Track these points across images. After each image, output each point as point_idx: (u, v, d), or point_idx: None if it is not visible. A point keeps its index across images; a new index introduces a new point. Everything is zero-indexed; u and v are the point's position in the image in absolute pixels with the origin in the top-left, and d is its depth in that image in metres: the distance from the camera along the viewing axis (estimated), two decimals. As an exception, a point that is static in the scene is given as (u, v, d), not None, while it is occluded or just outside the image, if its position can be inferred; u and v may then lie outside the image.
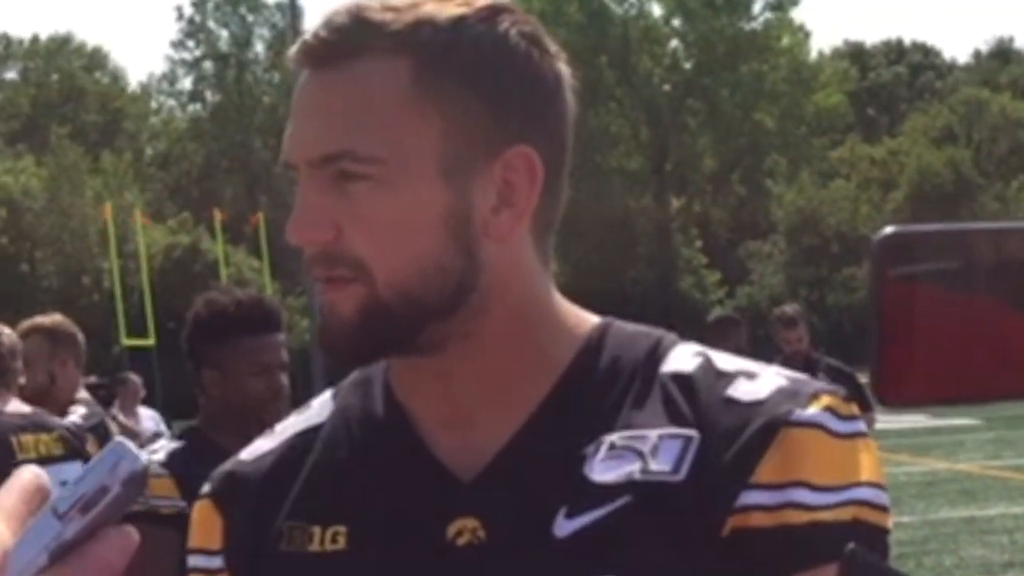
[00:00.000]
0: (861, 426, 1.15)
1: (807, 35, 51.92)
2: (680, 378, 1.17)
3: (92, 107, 57.88)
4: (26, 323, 5.00)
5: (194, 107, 58.24)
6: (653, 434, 1.14)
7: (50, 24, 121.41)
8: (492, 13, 1.15)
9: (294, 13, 30.07)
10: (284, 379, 3.10)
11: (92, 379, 9.21)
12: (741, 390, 1.15)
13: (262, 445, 1.28)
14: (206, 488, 1.28)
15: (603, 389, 1.18)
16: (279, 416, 1.39)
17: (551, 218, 1.19)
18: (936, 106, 58.67)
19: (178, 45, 57.77)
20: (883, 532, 1.13)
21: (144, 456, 0.80)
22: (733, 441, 1.12)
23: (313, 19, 1.26)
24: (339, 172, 1.13)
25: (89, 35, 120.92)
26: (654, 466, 1.12)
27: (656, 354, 1.20)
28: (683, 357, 1.19)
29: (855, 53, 63.83)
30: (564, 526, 1.11)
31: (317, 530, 1.18)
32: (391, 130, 1.12)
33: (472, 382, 1.17)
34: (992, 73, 61.66)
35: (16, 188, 46.61)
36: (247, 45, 56.74)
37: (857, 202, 53.02)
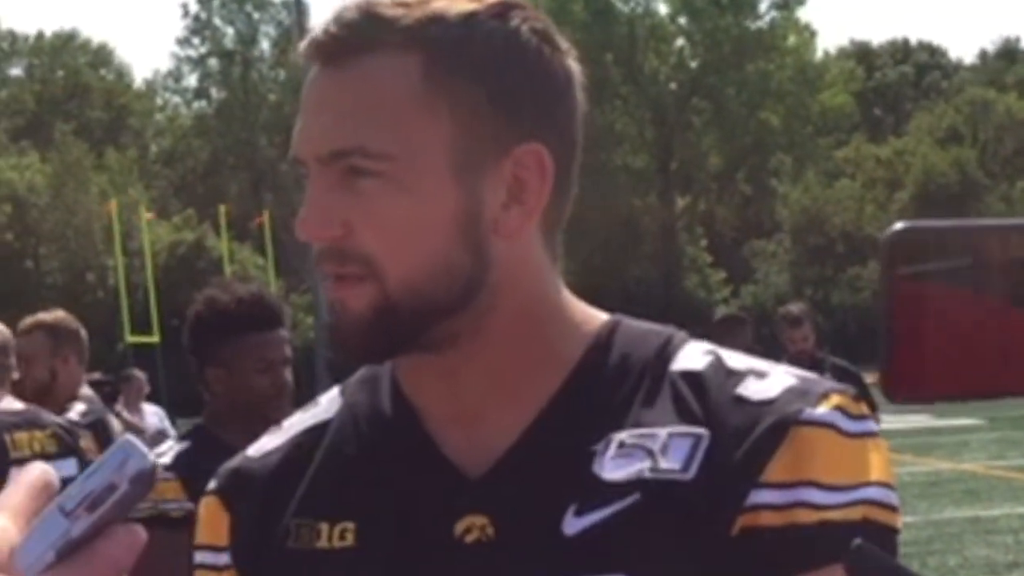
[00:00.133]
0: (871, 426, 1.15)
1: (813, 34, 51.90)
2: (690, 376, 1.17)
3: (97, 104, 57.92)
4: (28, 319, 5.00)
5: (199, 104, 58.27)
6: (663, 432, 1.14)
7: (55, 20, 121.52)
8: (503, 9, 1.15)
9: (300, 10, 30.12)
10: (288, 375, 3.09)
11: (97, 376, 9.22)
12: (751, 389, 1.15)
13: (269, 442, 1.27)
14: (212, 485, 1.27)
15: (612, 387, 1.17)
16: (284, 412, 1.38)
17: (560, 216, 1.19)
18: (942, 106, 58.63)
19: (183, 42, 57.79)
20: (893, 531, 1.12)
21: (152, 454, 0.80)
22: (743, 440, 1.12)
23: (319, 17, 1.26)
24: (349, 168, 1.12)
25: (94, 32, 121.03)
26: (664, 464, 1.12)
27: (666, 352, 1.19)
28: (693, 355, 1.19)
29: (861, 53, 63.78)
30: (573, 524, 1.11)
31: (325, 527, 1.18)
32: (401, 126, 1.12)
33: (481, 379, 1.17)
34: (998, 73, 61.59)
35: (21, 184, 46.67)
36: (253, 42, 56.75)
37: (862, 202, 52.99)
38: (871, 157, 55.73)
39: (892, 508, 1.13)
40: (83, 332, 5.05)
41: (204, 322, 3.06)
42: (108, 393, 8.81)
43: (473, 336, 1.15)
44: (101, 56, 60.78)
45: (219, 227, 36.38)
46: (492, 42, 1.13)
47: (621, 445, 1.14)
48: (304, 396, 1.78)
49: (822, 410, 1.12)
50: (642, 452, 1.13)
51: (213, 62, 57.04)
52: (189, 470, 2.84)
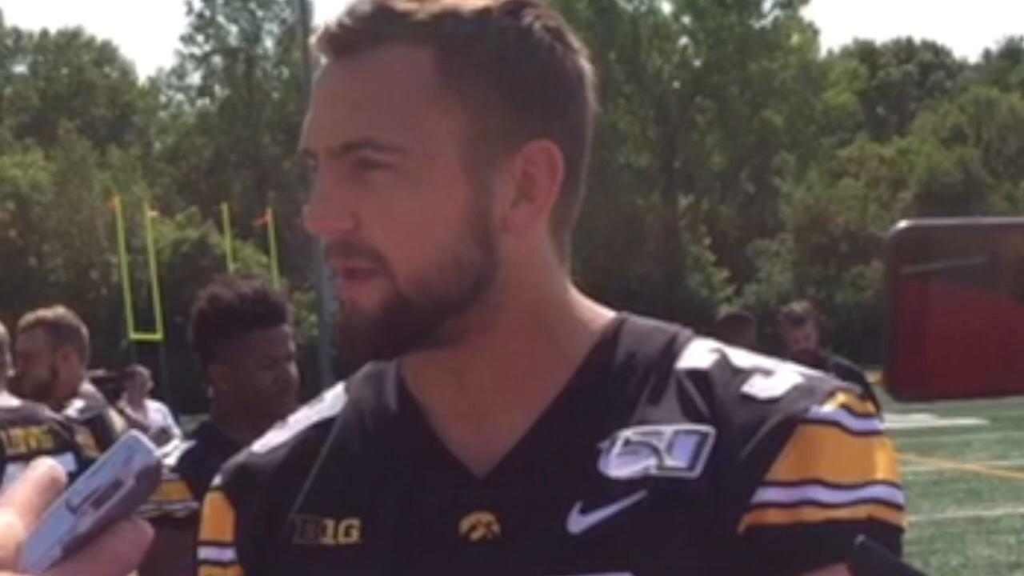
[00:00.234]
0: (877, 424, 1.15)
1: (816, 33, 51.91)
2: (696, 374, 1.17)
3: (101, 101, 57.96)
4: (29, 316, 5.00)
5: (203, 102, 58.32)
6: (668, 430, 1.14)
7: (59, 18, 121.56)
8: (516, 7, 1.15)
9: (304, 8, 30.07)
10: (293, 370, 3.10)
11: (100, 372, 9.22)
12: (757, 387, 1.15)
13: (274, 438, 1.27)
14: (217, 480, 1.27)
15: (618, 384, 1.17)
16: (289, 408, 1.38)
17: (568, 213, 1.19)
18: (946, 105, 58.61)
19: (187, 40, 57.85)
20: (898, 530, 1.12)
21: (158, 451, 0.80)
22: (749, 438, 1.11)
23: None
24: (359, 161, 1.12)
25: (98, 29, 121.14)
26: (670, 462, 1.12)
27: (672, 350, 1.19)
28: (699, 353, 1.19)
29: (865, 52, 63.76)
30: (579, 521, 1.11)
31: (330, 523, 1.18)
32: (413, 120, 1.12)
33: (487, 376, 1.17)
34: (1002, 72, 61.55)
35: (25, 182, 46.70)
36: (256, 40, 56.79)
37: (866, 201, 52.97)
38: (875, 156, 55.72)
39: (898, 507, 1.13)
40: (84, 329, 5.05)
41: (208, 319, 3.06)
42: (111, 390, 8.82)
43: (481, 333, 1.15)
44: (105, 54, 60.80)
45: (222, 225, 36.40)
46: (505, 38, 1.13)
47: (627, 443, 1.13)
48: (308, 394, 1.77)
49: (828, 408, 1.12)
50: (648, 450, 1.13)
51: (217, 60, 57.08)
52: (194, 470, 2.84)
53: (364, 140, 1.11)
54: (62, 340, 4.92)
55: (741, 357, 1.19)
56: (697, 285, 50.02)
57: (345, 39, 1.13)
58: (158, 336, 28.58)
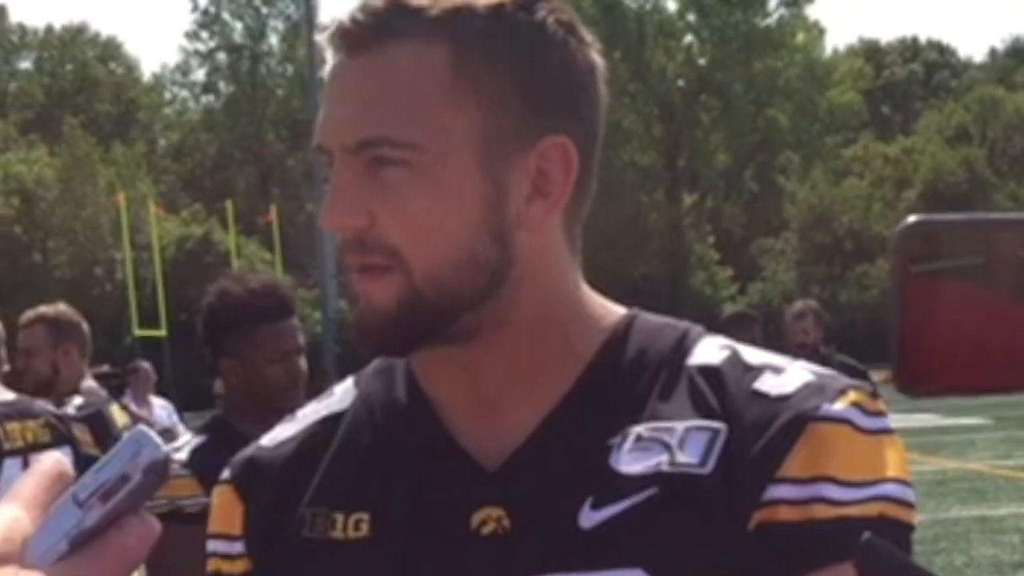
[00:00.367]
0: (887, 422, 1.15)
1: (822, 32, 51.91)
2: (707, 371, 1.17)
3: (106, 97, 57.99)
4: (30, 312, 5.00)
5: (207, 98, 58.36)
6: (680, 426, 1.14)
7: (64, 14, 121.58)
8: (530, 1, 1.15)
9: (308, 5, 30.08)
10: (302, 363, 3.12)
11: (104, 368, 9.22)
12: (768, 384, 1.14)
13: (283, 431, 1.27)
14: (226, 474, 1.27)
15: (629, 380, 1.17)
16: (298, 402, 1.38)
17: (581, 209, 1.19)
18: (951, 104, 58.59)
19: (192, 36, 57.89)
20: (909, 528, 1.12)
21: (165, 445, 0.80)
22: (760, 435, 1.11)
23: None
24: (374, 158, 1.12)
25: (103, 25, 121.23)
26: (681, 458, 1.12)
27: (683, 346, 1.19)
28: (710, 350, 1.19)
29: (870, 50, 63.71)
30: (590, 517, 1.11)
31: (340, 517, 1.17)
32: (428, 117, 1.11)
33: (499, 371, 1.17)
34: (1007, 72, 61.51)
35: (29, 178, 46.74)
36: (261, 37, 56.81)
37: (870, 200, 52.96)
38: (879, 155, 55.69)
39: (908, 505, 1.13)
40: (85, 325, 5.04)
41: (217, 313, 3.08)
42: (115, 386, 8.81)
43: (494, 329, 1.15)
44: (110, 50, 60.84)
45: (227, 222, 36.42)
46: (519, 34, 1.13)
47: (638, 438, 1.13)
48: (312, 390, 1.77)
49: (839, 406, 1.12)
50: (659, 446, 1.13)
51: (221, 56, 57.11)
52: (204, 465, 2.84)
53: (380, 137, 1.11)
54: (62, 336, 4.92)
55: (752, 354, 1.19)
56: (701, 283, 50.02)
57: (358, 35, 1.13)
58: (162, 333, 28.60)
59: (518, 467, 1.14)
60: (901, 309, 0.90)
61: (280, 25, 56.66)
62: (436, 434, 1.18)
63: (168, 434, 9.20)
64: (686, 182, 50.89)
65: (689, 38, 51.36)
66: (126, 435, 0.80)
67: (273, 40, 56.87)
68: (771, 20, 50.09)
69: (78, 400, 4.81)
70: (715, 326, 1.22)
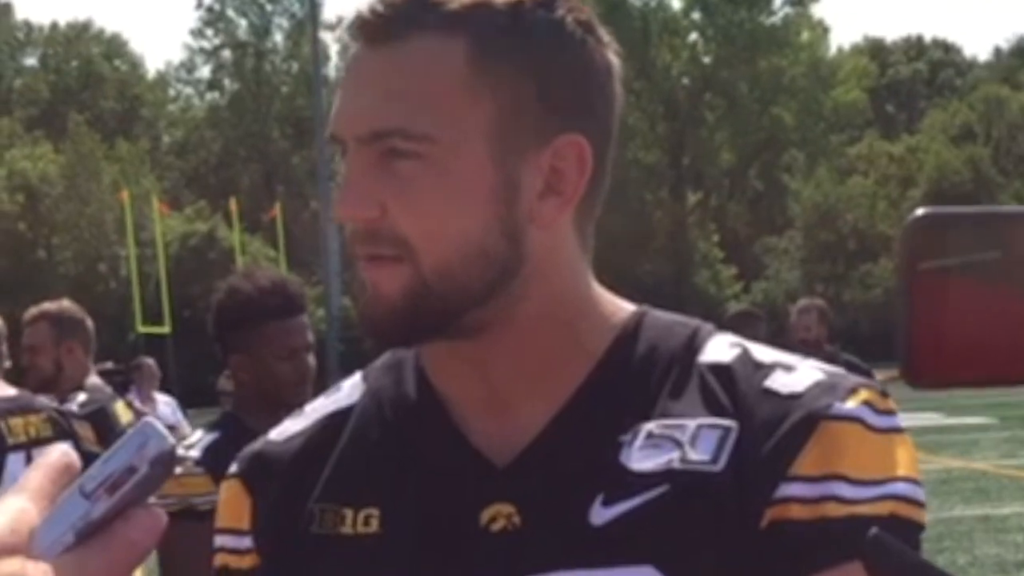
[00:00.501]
0: (898, 421, 1.15)
1: (826, 30, 51.93)
2: (718, 368, 1.16)
3: (110, 94, 58.02)
4: (33, 309, 5.00)
5: (212, 96, 58.39)
6: (691, 424, 1.13)
7: (69, 11, 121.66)
8: None
9: (313, 3, 30.12)
10: (311, 360, 3.13)
11: (109, 365, 9.23)
12: (779, 382, 1.14)
13: (291, 426, 1.27)
14: (234, 469, 1.27)
15: (640, 377, 1.17)
16: (305, 398, 1.38)
17: (594, 207, 1.19)
18: (955, 103, 58.54)
19: (197, 33, 57.95)
20: (918, 527, 1.12)
21: (172, 436, 0.79)
22: (772, 433, 1.11)
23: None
24: (388, 150, 1.12)
25: (108, 22, 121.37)
26: (693, 456, 1.12)
27: (693, 344, 1.19)
28: (721, 347, 1.19)
29: (874, 49, 63.67)
30: (601, 514, 1.10)
31: (349, 512, 1.17)
32: (443, 110, 1.11)
33: (509, 368, 1.16)
34: (1012, 71, 61.45)
35: (34, 174, 46.78)
36: (266, 34, 56.82)
37: (875, 199, 52.92)
38: (884, 154, 55.65)
39: (918, 503, 1.12)
40: (89, 322, 5.04)
41: (227, 311, 3.10)
42: (120, 383, 8.82)
43: (503, 325, 1.15)
44: (115, 47, 60.87)
45: (231, 219, 36.43)
46: (537, 31, 1.13)
47: (649, 436, 1.13)
48: (316, 387, 1.77)
49: (850, 405, 1.12)
50: (671, 443, 1.12)
51: (226, 54, 57.13)
52: (217, 462, 2.85)
53: (393, 129, 1.11)
54: (66, 334, 4.92)
55: (762, 352, 1.19)
56: (705, 282, 50.01)
57: (377, 26, 1.13)
58: (166, 329, 28.60)
59: (528, 464, 1.14)
60: (908, 301, 0.90)
61: (285, 22, 56.71)
62: (446, 430, 1.18)
63: (172, 431, 9.21)
64: (690, 180, 50.89)
65: (694, 36, 51.35)
66: (133, 427, 0.80)
67: (278, 37, 56.93)
68: (776, 18, 50.09)
69: (82, 397, 4.81)
70: (720, 324, 1.22)
